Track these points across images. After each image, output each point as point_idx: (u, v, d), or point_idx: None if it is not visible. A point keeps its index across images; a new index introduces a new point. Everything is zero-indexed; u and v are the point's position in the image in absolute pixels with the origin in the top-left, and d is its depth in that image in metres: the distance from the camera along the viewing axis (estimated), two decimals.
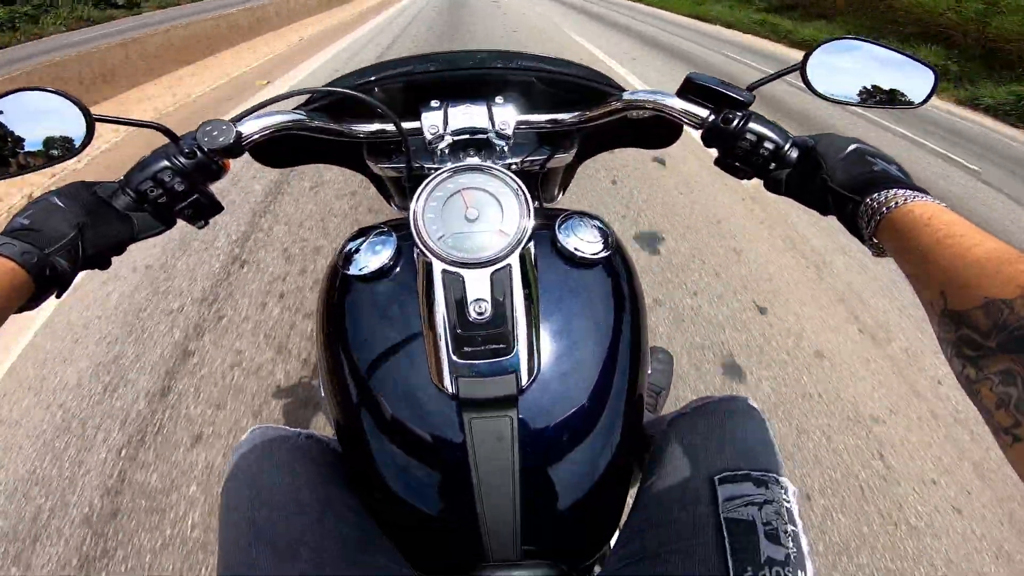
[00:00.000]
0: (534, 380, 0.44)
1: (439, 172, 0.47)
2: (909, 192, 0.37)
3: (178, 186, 0.46)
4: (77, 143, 0.47)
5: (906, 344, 1.64)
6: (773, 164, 0.48)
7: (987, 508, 1.18)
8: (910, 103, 0.52)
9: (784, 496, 0.44)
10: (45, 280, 0.38)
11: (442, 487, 0.45)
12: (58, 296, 0.41)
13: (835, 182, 0.42)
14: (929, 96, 0.52)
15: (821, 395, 1.43)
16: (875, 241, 0.39)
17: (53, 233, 0.40)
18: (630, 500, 0.52)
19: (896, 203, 0.37)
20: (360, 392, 0.47)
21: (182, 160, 0.46)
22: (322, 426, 1.32)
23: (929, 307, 0.32)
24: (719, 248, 2.09)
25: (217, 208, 0.50)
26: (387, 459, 0.46)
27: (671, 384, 1.19)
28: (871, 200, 0.38)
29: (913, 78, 0.52)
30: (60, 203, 0.42)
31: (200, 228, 0.50)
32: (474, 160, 0.54)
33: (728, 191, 2.54)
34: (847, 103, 0.53)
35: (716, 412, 0.52)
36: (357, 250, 0.51)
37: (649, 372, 0.64)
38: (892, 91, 0.52)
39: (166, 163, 0.46)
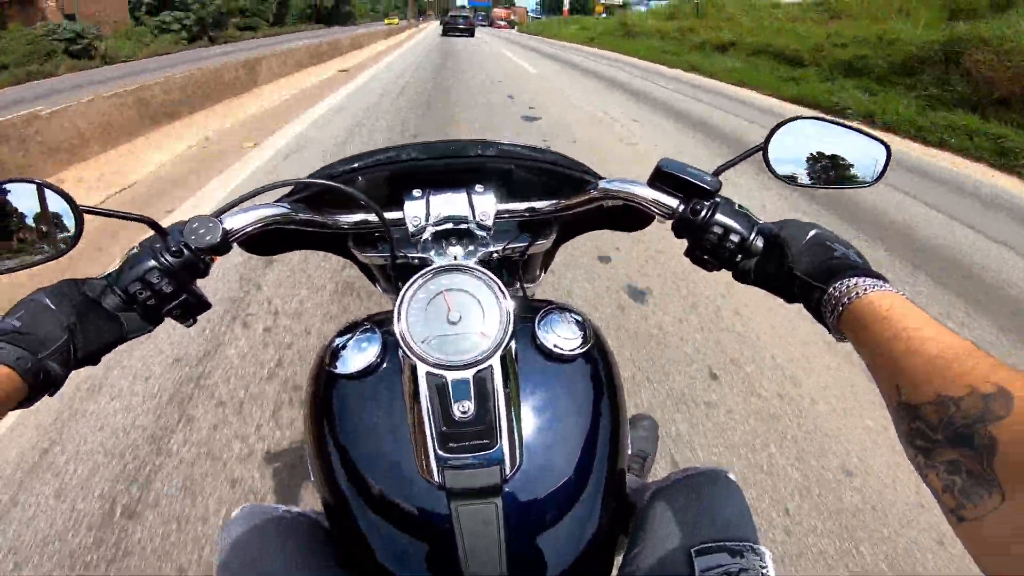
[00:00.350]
0: (517, 470, 0.48)
1: (421, 274, 0.51)
2: (870, 281, 0.41)
3: (166, 287, 0.49)
4: (68, 236, 0.49)
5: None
6: (740, 255, 0.52)
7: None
8: (864, 182, 0.57)
9: (759, 563, 0.49)
10: (39, 384, 0.41)
11: (431, 569, 0.48)
12: (51, 395, 0.43)
13: (800, 270, 0.46)
14: (882, 172, 0.57)
15: None
16: (839, 328, 0.42)
17: (45, 337, 0.42)
18: (617, 564, 0.56)
19: (857, 293, 0.40)
20: (350, 480, 0.51)
21: (169, 259, 0.49)
22: (310, 496, 1.31)
23: (886, 397, 0.36)
24: None
25: (205, 306, 0.53)
26: (378, 542, 0.49)
27: (657, 450, 1.30)
28: (834, 289, 0.42)
29: (868, 154, 0.57)
30: (51, 304, 0.44)
31: (188, 327, 0.53)
32: (456, 250, 0.61)
33: None
34: (806, 186, 0.58)
35: (694, 485, 0.56)
36: (344, 347, 0.55)
37: (630, 450, 0.71)
38: (848, 170, 0.57)
39: (154, 263, 0.48)
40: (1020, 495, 0.26)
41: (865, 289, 0.40)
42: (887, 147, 0.56)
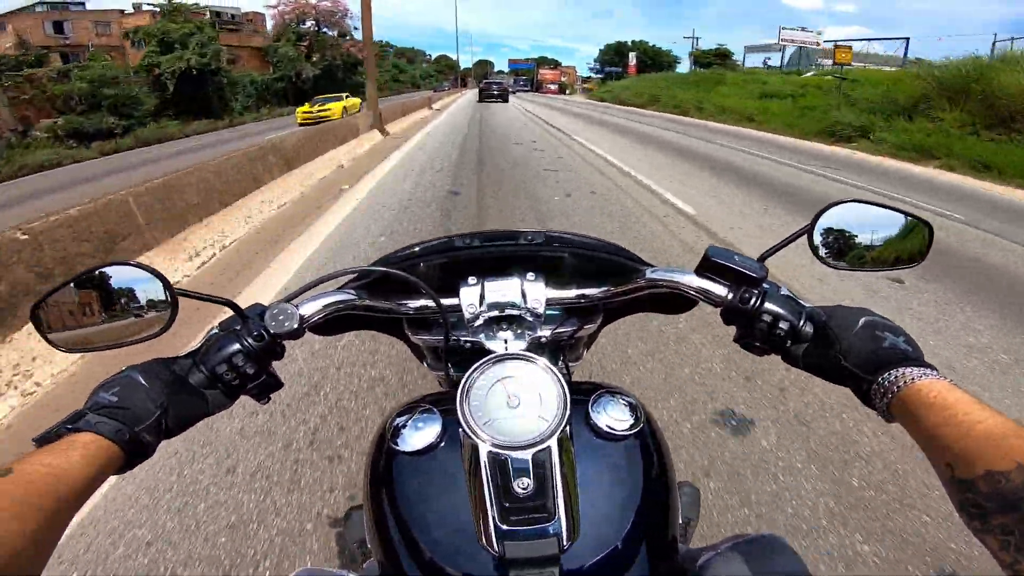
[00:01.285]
0: (575, 541, 0.63)
1: (482, 362, 0.70)
2: (917, 370, 0.57)
3: (249, 369, 0.68)
4: (163, 316, 0.69)
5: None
6: (790, 341, 0.69)
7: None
8: (912, 262, 0.76)
9: None
10: (135, 453, 0.58)
11: None
12: (141, 462, 0.60)
13: (849, 361, 0.62)
14: (927, 250, 0.75)
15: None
16: (890, 413, 0.58)
17: (140, 412, 0.59)
18: None
19: (905, 382, 0.56)
20: (409, 548, 0.67)
21: (251, 342, 0.68)
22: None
23: (939, 473, 0.51)
24: None
25: (278, 385, 0.73)
26: None
27: (698, 515, 1.58)
28: (883, 379, 0.58)
29: (913, 232, 0.75)
30: (143, 381, 0.61)
31: (263, 404, 0.74)
32: (506, 334, 0.82)
33: None
34: (853, 269, 0.77)
35: (750, 552, 0.69)
36: (404, 425, 0.74)
37: (680, 519, 0.85)
38: (894, 250, 0.76)
39: (238, 346, 0.67)
40: None
41: (912, 379, 0.56)
42: (930, 226, 0.75)
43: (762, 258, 0.73)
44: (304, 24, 50.51)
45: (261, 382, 0.70)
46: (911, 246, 0.76)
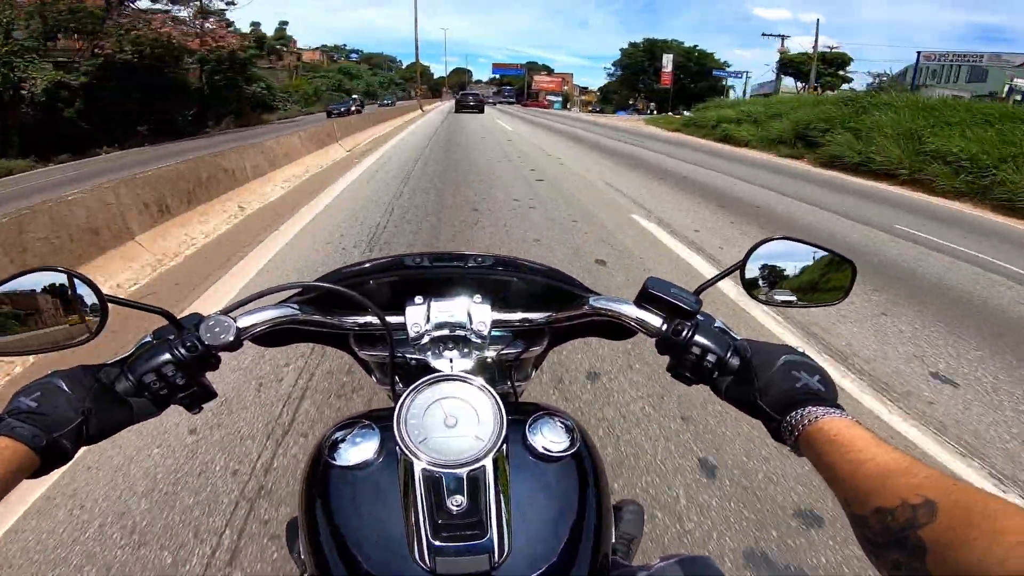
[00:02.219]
0: (506, 557, 0.66)
1: (421, 382, 0.73)
2: (821, 409, 0.62)
3: (179, 379, 0.69)
4: (93, 323, 0.71)
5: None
6: (717, 373, 0.74)
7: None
8: (833, 301, 0.83)
9: None
10: (51, 458, 0.59)
11: None
12: (60, 467, 0.62)
13: (764, 399, 0.68)
14: (849, 288, 0.81)
15: None
16: (799, 449, 0.63)
17: (60, 418, 0.61)
18: None
19: (809, 421, 0.62)
20: (343, 562, 0.69)
21: (183, 352, 0.69)
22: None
23: (842, 506, 0.56)
24: None
25: (211, 396, 0.75)
26: None
27: (642, 533, 1.69)
28: (790, 418, 0.64)
29: (838, 270, 0.82)
30: (66, 387, 0.63)
31: (195, 414, 0.75)
32: (452, 354, 0.85)
33: None
34: (781, 304, 0.83)
35: (681, 572, 0.75)
36: (343, 440, 0.76)
37: (614, 537, 0.93)
38: (819, 288, 0.82)
39: (168, 357, 0.69)
40: None
41: (816, 417, 0.61)
42: (853, 265, 0.81)
43: (698, 291, 0.78)
44: None
45: (191, 392, 0.72)
46: (836, 283, 0.82)
